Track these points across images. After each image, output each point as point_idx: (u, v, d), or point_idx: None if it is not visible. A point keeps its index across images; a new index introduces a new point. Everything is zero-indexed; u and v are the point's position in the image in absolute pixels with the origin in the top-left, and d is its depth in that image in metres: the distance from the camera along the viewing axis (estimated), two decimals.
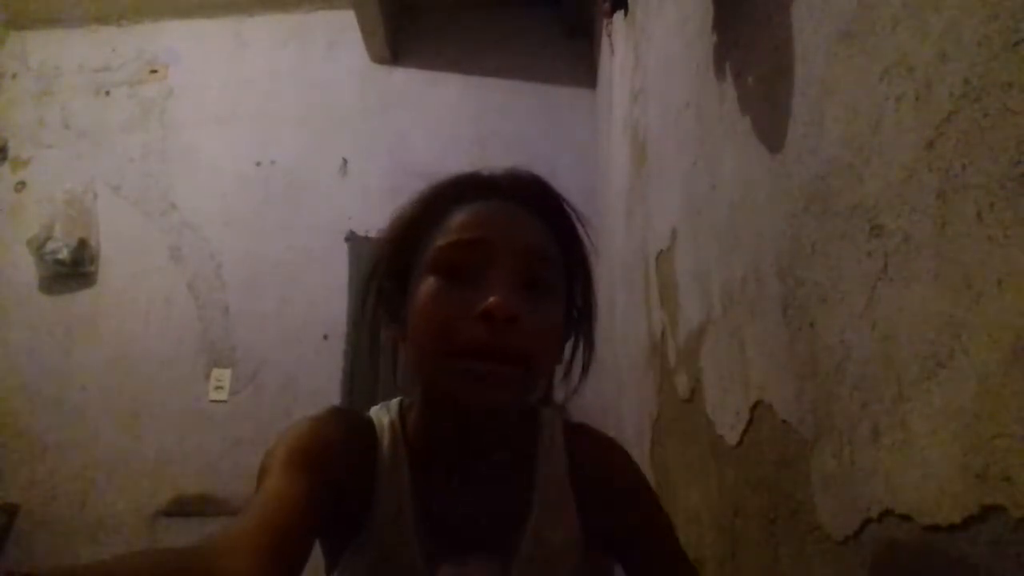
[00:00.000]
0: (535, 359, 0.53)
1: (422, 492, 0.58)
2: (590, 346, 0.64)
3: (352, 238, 2.83)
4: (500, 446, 0.60)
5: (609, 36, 2.21)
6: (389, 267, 0.61)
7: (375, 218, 2.78)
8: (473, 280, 0.53)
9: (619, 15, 1.89)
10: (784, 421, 0.74)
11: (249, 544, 0.41)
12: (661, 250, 1.42)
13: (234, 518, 0.44)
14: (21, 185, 3.07)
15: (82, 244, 2.87)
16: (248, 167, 3.02)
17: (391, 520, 0.57)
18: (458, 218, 0.56)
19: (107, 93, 3.18)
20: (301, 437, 0.54)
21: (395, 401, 0.65)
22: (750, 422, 0.85)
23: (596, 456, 0.65)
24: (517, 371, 0.52)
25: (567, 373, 0.63)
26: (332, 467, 0.53)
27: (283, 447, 0.52)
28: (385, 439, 0.60)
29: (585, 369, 0.63)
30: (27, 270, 2.90)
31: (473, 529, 0.59)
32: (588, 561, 0.64)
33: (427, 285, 0.54)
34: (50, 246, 2.84)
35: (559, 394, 0.66)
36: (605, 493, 0.63)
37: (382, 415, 0.63)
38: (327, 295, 2.78)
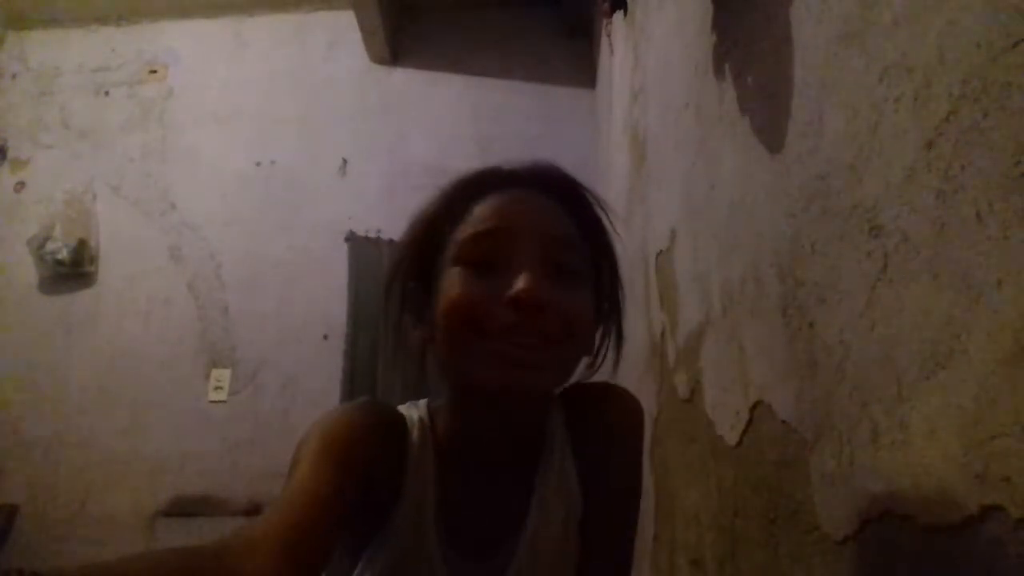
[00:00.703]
0: (566, 344, 0.53)
1: (445, 489, 0.58)
2: (619, 336, 0.63)
3: (352, 238, 2.83)
4: (526, 442, 0.60)
5: (609, 36, 2.21)
6: (412, 268, 0.60)
7: (375, 218, 2.79)
8: (498, 268, 0.53)
9: (619, 15, 1.89)
10: (784, 421, 0.74)
11: (275, 543, 0.41)
12: (661, 250, 1.42)
13: (259, 515, 0.44)
14: (21, 185, 3.07)
15: (82, 244, 2.87)
16: (248, 167, 3.02)
17: (415, 514, 0.57)
18: (479, 210, 0.56)
19: (106, 93, 3.18)
20: (334, 428, 0.54)
21: (423, 401, 0.64)
22: (750, 422, 0.85)
23: (591, 414, 0.64)
24: (548, 356, 0.52)
25: (593, 363, 0.62)
26: (363, 458, 0.53)
27: (315, 437, 0.52)
28: (415, 433, 0.60)
29: (616, 360, 0.62)
30: (27, 270, 2.90)
31: (484, 529, 0.59)
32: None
33: (453, 277, 0.54)
34: (50, 246, 2.84)
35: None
36: (598, 449, 0.62)
37: (412, 411, 0.62)
38: (327, 295, 2.78)
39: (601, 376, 0.63)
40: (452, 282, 0.53)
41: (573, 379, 0.61)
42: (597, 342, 0.61)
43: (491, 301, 0.51)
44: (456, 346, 0.53)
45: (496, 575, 0.58)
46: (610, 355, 0.63)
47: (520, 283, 0.50)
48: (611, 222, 0.62)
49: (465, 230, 0.55)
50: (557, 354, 0.53)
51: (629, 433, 0.64)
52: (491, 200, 0.56)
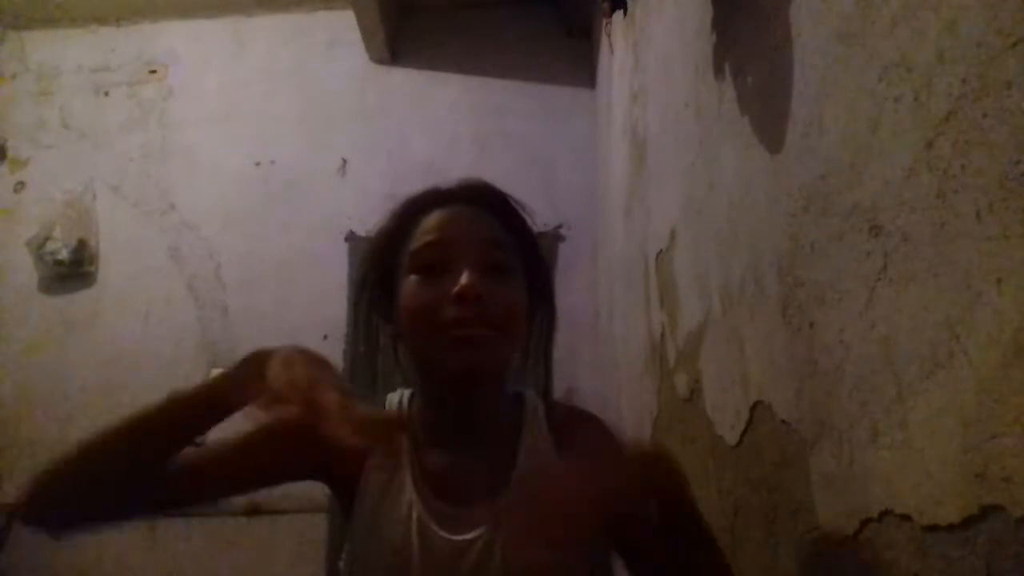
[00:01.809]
0: (504, 325, 0.66)
1: (421, 459, 0.69)
2: (551, 312, 0.76)
3: (352, 238, 2.82)
4: (491, 420, 0.71)
5: (609, 36, 2.21)
6: (376, 279, 0.74)
7: (375, 218, 2.76)
8: (445, 271, 0.65)
9: (618, 15, 1.89)
10: (784, 421, 0.74)
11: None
12: (661, 250, 1.42)
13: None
14: (20, 185, 3.06)
15: (81, 244, 2.87)
16: (247, 167, 3.01)
17: (388, 479, 0.67)
18: (425, 224, 0.69)
19: (106, 93, 3.17)
20: None
21: (408, 391, 0.77)
22: (750, 422, 0.85)
23: (574, 425, 0.74)
24: (491, 334, 0.64)
25: (536, 339, 0.74)
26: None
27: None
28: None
29: (550, 333, 0.75)
30: (27, 270, 2.90)
31: (466, 493, 0.66)
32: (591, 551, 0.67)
33: (409, 283, 0.67)
34: (49, 246, 2.84)
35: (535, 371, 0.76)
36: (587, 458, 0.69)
37: (394, 397, 0.76)
38: (327, 295, 2.78)
39: (541, 346, 0.75)
40: (409, 288, 0.67)
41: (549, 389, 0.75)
42: (534, 323, 0.74)
43: (441, 299, 0.64)
44: (419, 340, 0.67)
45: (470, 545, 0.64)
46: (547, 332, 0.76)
47: (462, 280, 0.63)
48: (533, 222, 0.76)
49: (415, 243, 0.69)
50: (499, 335, 0.65)
51: (607, 439, 0.73)
52: (434, 216, 0.70)
